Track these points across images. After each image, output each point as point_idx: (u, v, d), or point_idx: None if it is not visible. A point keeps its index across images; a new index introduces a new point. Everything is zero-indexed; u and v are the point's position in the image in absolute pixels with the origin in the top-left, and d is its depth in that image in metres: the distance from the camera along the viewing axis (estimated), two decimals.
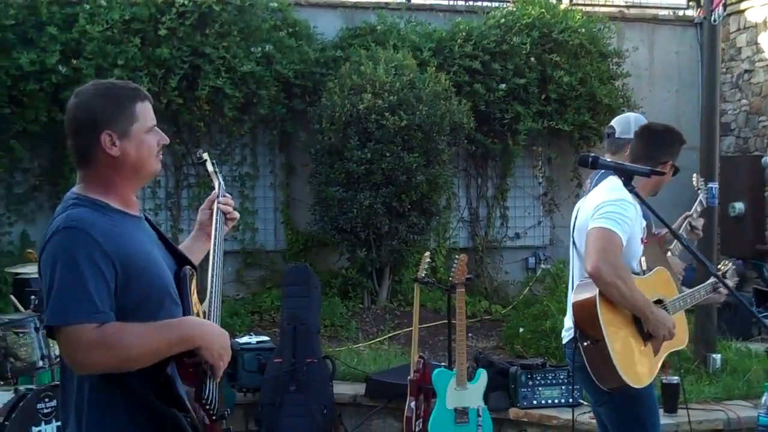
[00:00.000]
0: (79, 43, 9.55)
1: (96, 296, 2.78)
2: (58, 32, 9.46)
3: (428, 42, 10.79)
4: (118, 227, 2.95)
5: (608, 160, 4.52)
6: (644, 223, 4.72)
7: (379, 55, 9.99)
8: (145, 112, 3.06)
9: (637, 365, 4.49)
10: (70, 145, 3.03)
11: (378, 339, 9.46)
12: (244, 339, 8.21)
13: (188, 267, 3.16)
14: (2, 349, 5.94)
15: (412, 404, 6.84)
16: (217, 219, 3.49)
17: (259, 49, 10.13)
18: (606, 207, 4.51)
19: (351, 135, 9.63)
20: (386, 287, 10.32)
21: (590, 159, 4.34)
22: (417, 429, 6.79)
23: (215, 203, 3.54)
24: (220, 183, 3.65)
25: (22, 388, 5.56)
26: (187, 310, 3.04)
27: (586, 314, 4.44)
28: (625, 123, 5.61)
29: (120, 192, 3.04)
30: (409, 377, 6.94)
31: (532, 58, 10.89)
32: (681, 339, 4.74)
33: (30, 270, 6.96)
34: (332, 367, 7.80)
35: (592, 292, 4.42)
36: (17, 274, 7.60)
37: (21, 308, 6.80)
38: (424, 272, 7.23)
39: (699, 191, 5.91)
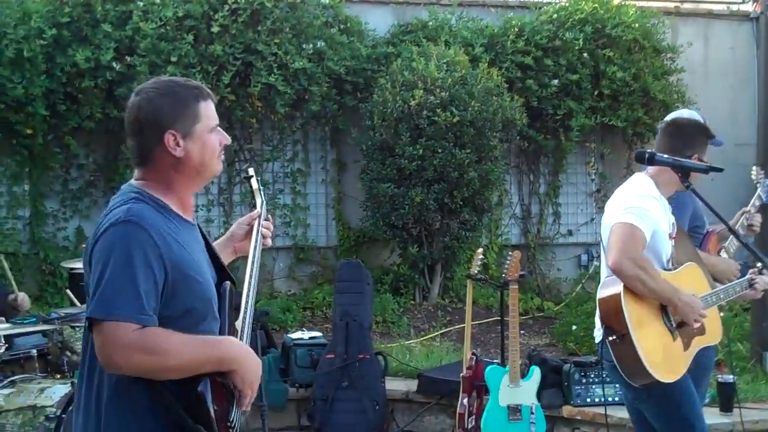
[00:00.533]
0: (133, 40, 9.65)
1: (144, 297, 2.69)
2: (113, 29, 9.57)
3: (480, 38, 10.76)
4: (176, 232, 2.88)
5: (665, 156, 4.49)
6: (672, 219, 4.68)
7: (430, 51, 9.97)
8: (209, 111, 2.98)
9: (666, 360, 4.46)
10: (132, 144, 2.96)
11: (430, 336, 9.44)
12: (297, 334, 8.24)
13: (229, 282, 3.07)
14: (59, 343, 6.02)
15: (465, 401, 6.81)
16: (256, 240, 3.39)
17: (311, 45, 10.18)
18: (628, 203, 4.51)
19: (402, 131, 9.63)
20: (438, 284, 10.31)
21: (647, 155, 4.35)
22: (470, 426, 6.77)
23: (256, 222, 3.43)
24: (263, 202, 3.54)
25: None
26: (223, 327, 2.97)
27: (611, 310, 4.43)
28: None
29: (180, 194, 2.98)
30: (461, 374, 6.92)
31: (585, 54, 10.83)
32: (714, 334, 4.71)
33: None
34: (384, 363, 7.80)
35: (616, 288, 4.41)
36: (73, 268, 7.67)
37: (77, 302, 6.87)
38: (477, 269, 7.21)
39: (758, 185, 5.81)
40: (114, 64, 9.55)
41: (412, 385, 7.87)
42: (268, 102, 10.14)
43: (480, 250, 7.48)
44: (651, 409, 4.64)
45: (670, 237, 4.62)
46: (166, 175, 2.94)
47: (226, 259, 3.37)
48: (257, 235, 3.40)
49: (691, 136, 4.75)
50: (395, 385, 7.92)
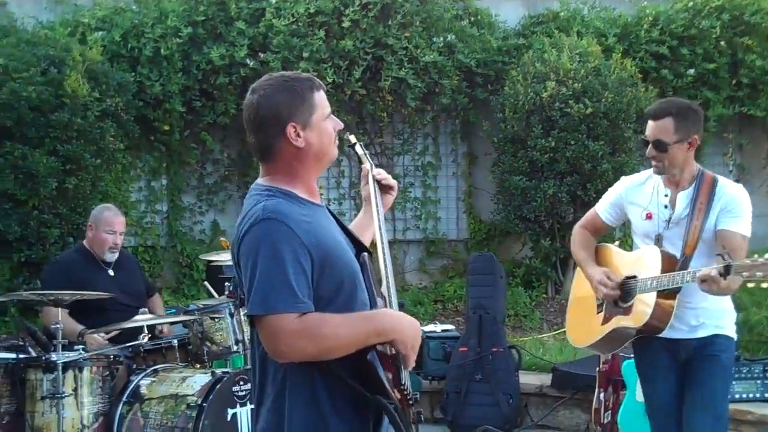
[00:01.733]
0: (266, 37, 9.82)
1: (296, 286, 2.82)
2: (246, 27, 9.77)
3: (613, 28, 10.60)
4: (310, 216, 2.98)
5: None
6: (663, 201, 4.65)
7: (562, 42, 9.87)
8: (322, 100, 3.09)
9: (579, 327, 4.99)
10: (254, 140, 3.07)
11: (563, 329, 9.31)
12: (429, 327, 8.26)
13: (366, 253, 3.16)
14: (199, 334, 6.13)
15: (601, 396, 6.71)
16: (374, 191, 3.45)
17: (441, 38, 10.20)
18: None
19: (534, 123, 9.56)
20: (571, 277, 10.12)
21: None
22: (605, 421, 6.66)
23: (370, 180, 3.49)
24: (371, 165, 3.56)
25: (218, 371, 5.71)
26: (371, 296, 3.06)
27: None
28: None
29: (305, 181, 3.09)
30: (597, 368, 6.82)
31: (722, 42, 10.56)
32: (636, 317, 4.58)
33: (223, 257, 7.14)
34: (518, 356, 7.75)
35: None
36: (210, 261, 7.82)
37: (215, 294, 6.99)
38: None
39: None
40: (247, 61, 9.74)
41: (546, 379, 7.80)
42: (398, 96, 10.20)
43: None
44: None
45: (648, 218, 4.69)
46: (290, 165, 3.05)
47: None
48: (374, 187, 3.46)
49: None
50: (529, 379, 7.87)
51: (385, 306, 3.11)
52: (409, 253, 10.88)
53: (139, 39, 9.79)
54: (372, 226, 3.44)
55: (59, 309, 5.57)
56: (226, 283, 6.52)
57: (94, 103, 8.95)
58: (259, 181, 3.09)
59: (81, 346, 5.67)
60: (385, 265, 3.23)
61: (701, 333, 4.55)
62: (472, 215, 10.99)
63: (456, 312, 9.94)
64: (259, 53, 9.83)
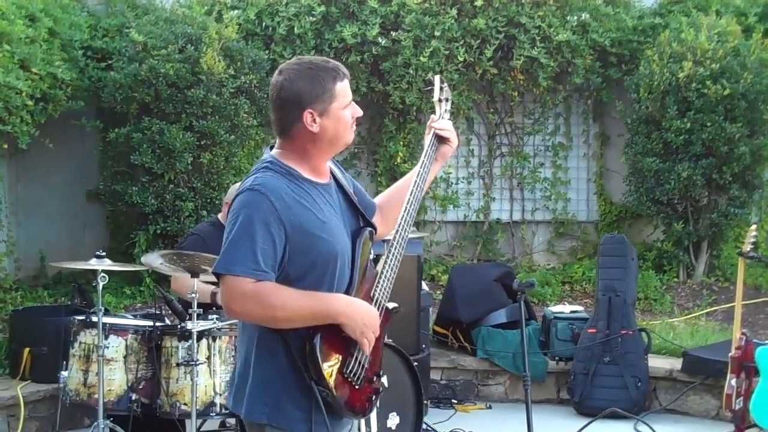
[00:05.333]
0: (397, 15, 9.84)
1: (260, 255, 3.02)
2: (379, 5, 9.79)
3: (754, 7, 10.30)
4: (301, 196, 3.15)
5: None
6: None
7: (700, 22, 9.63)
8: (344, 90, 3.23)
9: None
10: (273, 118, 3.25)
11: (694, 314, 9.15)
12: (557, 308, 8.21)
13: (368, 229, 3.34)
14: None
15: (733, 382, 6.57)
16: (430, 144, 3.52)
17: (575, 17, 10.05)
18: None
19: (669, 104, 9.37)
20: (703, 262, 9.95)
21: None
22: (737, 407, 6.52)
23: (431, 126, 3.58)
24: (439, 115, 3.62)
25: None
26: (353, 272, 3.23)
27: None
28: None
29: (313, 162, 3.25)
30: (729, 354, 6.68)
31: None
32: None
33: None
34: (648, 339, 7.65)
35: None
36: None
37: None
38: (749, 246, 6.91)
39: None
40: (379, 40, 9.78)
41: (676, 363, 7.68)
42: (530, 75, 10.13)
43: (753, 227, 7.15)
44: None
45: None
46: (303, 146, 3.23)
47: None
48: (431, 139, 3.55)
49: None
50: (658, 363, 7.76)
51: (374, 282, 3.27)
52: (538, 234, 10.81)
53: (273, 17, 9.93)
54: (432, 174, 3.55)
55: (194, 279, 5.71)
56: None
57: (229, 80, 9.11)
58: (272, 152, 3.26)
59: (215, 316, 5.81)
60: (398, 229, 3.33)
61: None
62: (603, 197, 10.83)
63: (584, 294, 9.84)
64: (391, 32, 9.86)
